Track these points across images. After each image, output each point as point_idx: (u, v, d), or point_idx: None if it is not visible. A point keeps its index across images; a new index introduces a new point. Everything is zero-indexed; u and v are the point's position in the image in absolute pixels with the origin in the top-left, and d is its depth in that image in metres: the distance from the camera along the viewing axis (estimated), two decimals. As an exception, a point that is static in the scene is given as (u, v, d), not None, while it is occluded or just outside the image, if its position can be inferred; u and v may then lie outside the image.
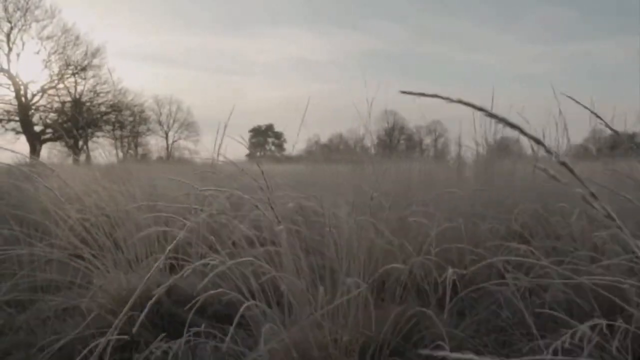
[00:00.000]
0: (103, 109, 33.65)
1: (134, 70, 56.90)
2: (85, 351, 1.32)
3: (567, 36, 51.71)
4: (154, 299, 1.06)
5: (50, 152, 31.93)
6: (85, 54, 32.13)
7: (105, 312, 2.05)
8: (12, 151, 3.20)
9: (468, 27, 51.54)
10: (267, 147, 39.42)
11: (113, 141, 34.38)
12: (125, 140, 35.36)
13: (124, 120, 34.46)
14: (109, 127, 33.97)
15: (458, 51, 53.42)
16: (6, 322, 2.29)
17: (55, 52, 31.55)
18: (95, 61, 32.48)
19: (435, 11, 53.43)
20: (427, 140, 36.27)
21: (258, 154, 34.34)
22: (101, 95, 33.27)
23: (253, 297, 1.42)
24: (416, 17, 53.36)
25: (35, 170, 3.26)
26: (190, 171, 5.08)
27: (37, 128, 31.90)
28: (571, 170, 0.73)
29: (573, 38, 53.03)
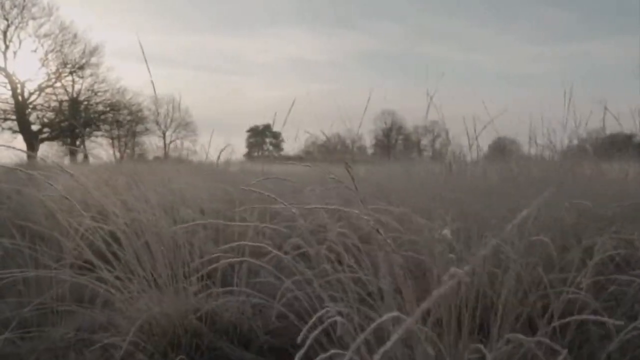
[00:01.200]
0: (100, 108, 33.20)
1: (131, 70, 56.93)
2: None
3: (566, 37, 51.35)
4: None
5: (46, 151, 31.21)
6: (83, 52, 31.60)
7: (132, 346, 1.68)
8: (17, 149, 2.91)
9: (467, 27, 51.08)
10: (265, 147, 38.30)
11: (110, 141, 33.71)
12: (123, 140, 34.83)
13: (123, 120, 33.90)
14: (106, 127, 33.52)
15: (457, 51, 52.60)
16: (10, 355, 1.91)
17: (53, 50, 30.99)
18: (93, 59, 32.01)
19: (434, 11, 53.55)
20: (425, 141, 35.08)
21: (256, 153, 33.26)
22: (99, 94, 32.86)
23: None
24: (415, 17, 53.31)
25: (42, 173, 2.96)
26: (206, 172, 4.71)
27: (34, 127, 31.33)
28: None
29: (572, 38, 53.05)
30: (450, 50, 53.30)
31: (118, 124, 33.64)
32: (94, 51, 31.72)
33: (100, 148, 33.12)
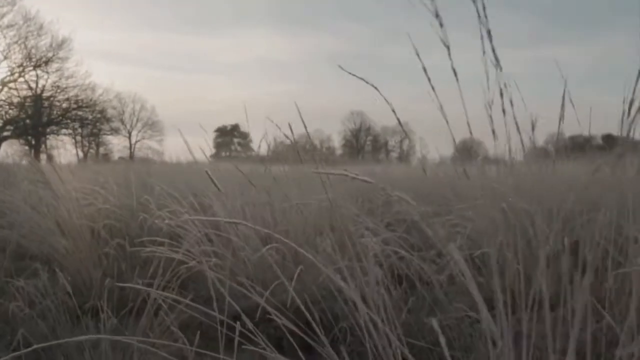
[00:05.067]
0: (66, 105, 32.40)
1: (95, 68, 44.85)
2: None
3: (534, 41, 50.69)
4: None
5: (5, 151, 27.81)
6: (50, 45, 29.97)
7: None
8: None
9: (436, 30, 59.60)
10: (233, 148, 39.81)
11: (74, 140, 34.12)
12: (87, 139, 36.04)
13: (93, 118, 33.72)
14: (74, 125, 33.34)
15: (427, 53, 62.10)
16: None
17: (17, 42, 29.72)
18: (61, 53, 30.45)
19: (403, 13, 55.27)
20: (392, 142, 38.87)
21: (224, 154, 37.24)
22: (67, 89, 31.80)
23: None
24: (384, 19, 50.57)
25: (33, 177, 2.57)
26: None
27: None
28: None
29: (539, 43, 51.72)
30: (420, 52, 63.23)
31: (82, 122, 33.59)
32: (61, 44, 30.26)
33: (63, 148, 31.83)
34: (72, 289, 1.96)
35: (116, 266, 2.49)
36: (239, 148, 42.14)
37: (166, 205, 2.92)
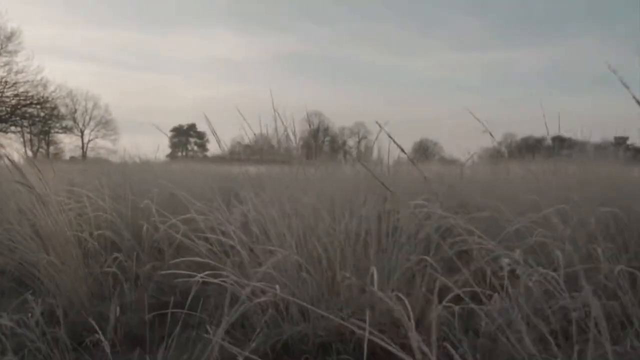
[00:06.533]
0: (15, 101, 30.73)
1: (48, 64, 43.44)
2: None
3: (485, 45, 53.46)
4: None
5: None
6: None
7: None
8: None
9: (393, 33, 52.04)
10: (189, 147, 39.08)
11: (22, 138, 32.12)
12: (37, 138, 34.41)
13: (45, 115, 32.48)
14: (23, 122, 31.65)
15: (384, 55, 54.22)
16: None
17: None
18: (10, 47, 28.83)
19: (363, 16, 54.02)
20: (350, 142, 38.02)
21: (180, 153, 36.31)
22: (17, 85, 30.21)
23: None
24: (342, 20, 53.37)
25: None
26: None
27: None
28: None
29: (490, 47, 54.41)
30: (377, 54, 54.17)
31: (32, 120, 32.04)
32: (10, 37, 28.58)
33: (10, 147, 28.57)
34: (66, 319, 1.68)
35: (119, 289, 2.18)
36: (195, 148, 42.18)
37: (179, 211, 2.48)
